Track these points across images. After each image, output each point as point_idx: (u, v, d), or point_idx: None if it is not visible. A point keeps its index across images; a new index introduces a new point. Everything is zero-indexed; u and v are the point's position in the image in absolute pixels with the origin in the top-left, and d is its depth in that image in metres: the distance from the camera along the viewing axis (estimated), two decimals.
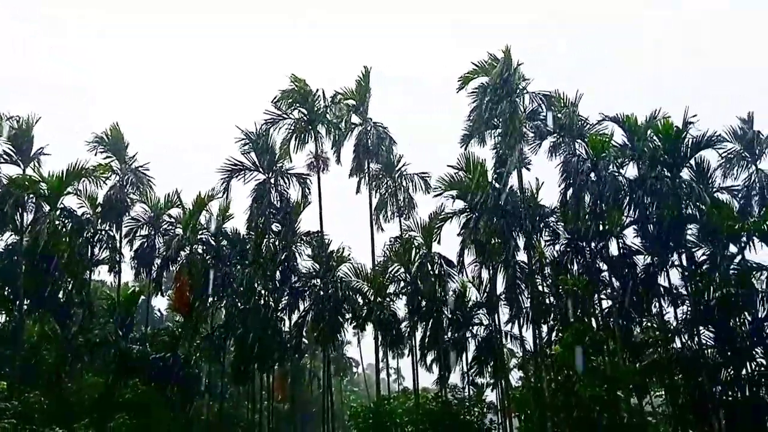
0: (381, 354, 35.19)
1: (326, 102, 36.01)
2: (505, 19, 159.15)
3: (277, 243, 34.78)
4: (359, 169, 35.31)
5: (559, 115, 29.91)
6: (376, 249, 34.28)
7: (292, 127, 35.71)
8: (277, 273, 34.49)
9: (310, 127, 35.64)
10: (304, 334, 36.31)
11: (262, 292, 34.23)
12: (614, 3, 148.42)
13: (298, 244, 35.08)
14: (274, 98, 35.57)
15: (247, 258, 34.61)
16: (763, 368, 27.52)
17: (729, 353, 27.62)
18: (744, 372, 27.43)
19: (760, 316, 27.59)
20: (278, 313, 34.28)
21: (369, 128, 35.56)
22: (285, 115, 35.77)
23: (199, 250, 35.27)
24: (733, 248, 28.63)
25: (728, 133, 29.30)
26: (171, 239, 34.74)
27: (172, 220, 36.05)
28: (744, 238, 27.99)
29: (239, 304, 34.01)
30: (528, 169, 29.98)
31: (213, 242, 35.38)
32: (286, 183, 35.19)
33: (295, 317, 35.05)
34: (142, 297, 37.46)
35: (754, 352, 27.84)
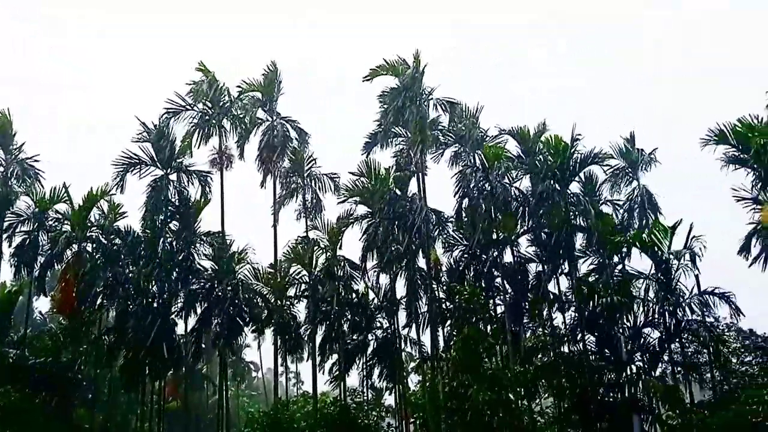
0: (280, 358, 34.70)
1: (233, 96, 35.35)
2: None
3: (174, 243, 33.43)
4: (264, 166, 34.69)
5: (461, 126, 30.71)
6: (279, 250, 33.95)
7: (196, 120, 34.61)
8: (174, 274, 33.10)
9: (214, 120, 34.62)
10: (201, 337, 35.09)
11: (157, 293, 32.75)
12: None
13: (198, 244, 33.81)
14: (188, 92, 34.65)
15: (142, 258, 33.03)
16: (640, 371, 29.36)
17: (611, 357, 29.27)
18: (624, 375, 29.14)
19: (638, 322, 29.47)
20: (174, 316, 32.88)
21: (276, 124, 34.97)
22: (188, 107, 34.61)
23: (89, 249, 33.29)
24: (616, 258, 30.58)
25: (614, 150, 31.32)
26: (57, 236, 32.57)
27: (59, 216, 33.82)
28: (626, 249, 29.91)
29: (131, 307, 32.34)
30: (425, 175, 30.55)
31: (104, 240, 33.47)
32: (186, 179, 33.90)
33: (192, 320, 33.87)
34: (21, 297, 34.87)
35: (633, 356, 29.66)
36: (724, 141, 27.67)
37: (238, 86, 35.58)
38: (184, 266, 33.06)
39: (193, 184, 33.96)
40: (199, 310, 33.59)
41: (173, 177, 33.62)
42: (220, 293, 32.95)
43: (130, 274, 33.19)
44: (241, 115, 35.24)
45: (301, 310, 34.25)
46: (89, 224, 33.25)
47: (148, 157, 33.46)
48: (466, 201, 29.36)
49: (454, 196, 29.98)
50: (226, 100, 35.15)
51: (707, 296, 27.47)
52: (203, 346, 35.81)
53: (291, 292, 34.33)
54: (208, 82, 34.61)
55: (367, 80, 31.41)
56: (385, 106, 30.78)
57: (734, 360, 28.53)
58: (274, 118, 35.44)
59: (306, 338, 34.11)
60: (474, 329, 26.69)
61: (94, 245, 33.39)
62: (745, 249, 28.90)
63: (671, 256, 28.12)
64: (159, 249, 32.60)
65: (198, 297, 33.30)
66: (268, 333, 34.46)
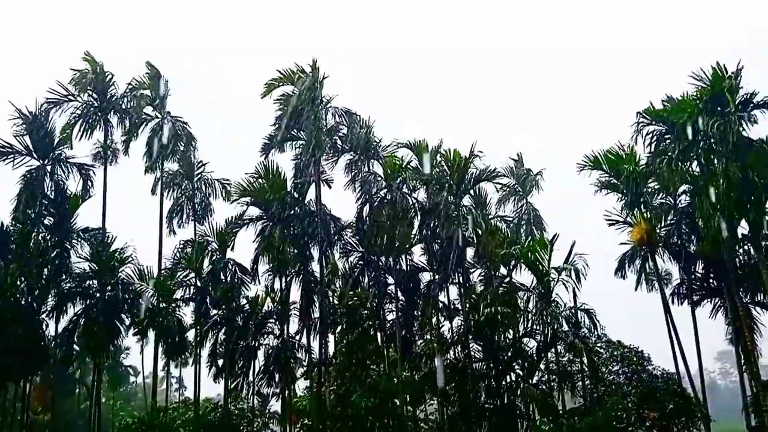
0: (162, 362, 33.18)
1: (122, 90, 33.61)
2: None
3: (48, 238, 30.98)
4: (152, 165, 33.29)
5: (357, 134, 30.92)
6: (166, 252, 32.79)
7: (80, 111, 32.44)
8: (46, 271, 30.65)
9: (100, 113, 32.60)
10: (76, 339, 32.73)
11: (25, 291, 30.16)
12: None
13: (74, 240, 31.54)
14: (71, 80, 32.29)
15: (10, 252, 30.29)
16: (520, 378, 30.76)
17: (493, 365, 30.44)
18: (504, 382, 30.40)
19: (520, 332, 30.88)
20: (42, 316, 30.41)
21: (165, 123, 33.52)
22: (71, 97, 32.41)
23: None
24: (504, 270, 31.91)
25: (505, 170, 32.92)
26: None
27: None
28: (513, 262, 31.28)
29: None
30: (330, 187, 30.55)
31: None
32: (65, 172, 31.62)
33: (65, 321, 31.48)
34: None
35: (514, 364, 31.03)
36: (598, 167, 29.67)
37: (129, 83, 34.03)
38: (56, 263, 30.72)
39: (73, 177, 31.82)
40: (72, 311, 31.37)
41: (49, 168, 31.26)
42: (97, 293, 30.98)
43: None
44: (129, 109, 33.57)
45: (188, 313, 32.99)
46: None
47: (23, 147, 30.96)
48: (367, 208, 29.61)
49: (356, 201, 30.37)
50: (115, 93, 33.38)
51: (578, 311, 29.23)
52: (77, 348, 33.52)
53: (178, 294, 32.97)
54: (93, 73, 32.53)
55: (266, 96, 30.90)
56: (281, 110, 30.42)
57: (603, 369, 30.50)
58: (163, 115, 34.13)
59: (193, 343, 32.85)
60: (358, 335, 26.88)
61: None
62: (620, 269, 31.46)
63: (552, 271, 29.60)
64: (30, 244, 30.08)
65: (72, 296, 31.03)
66: (152, 336, 32.82)
